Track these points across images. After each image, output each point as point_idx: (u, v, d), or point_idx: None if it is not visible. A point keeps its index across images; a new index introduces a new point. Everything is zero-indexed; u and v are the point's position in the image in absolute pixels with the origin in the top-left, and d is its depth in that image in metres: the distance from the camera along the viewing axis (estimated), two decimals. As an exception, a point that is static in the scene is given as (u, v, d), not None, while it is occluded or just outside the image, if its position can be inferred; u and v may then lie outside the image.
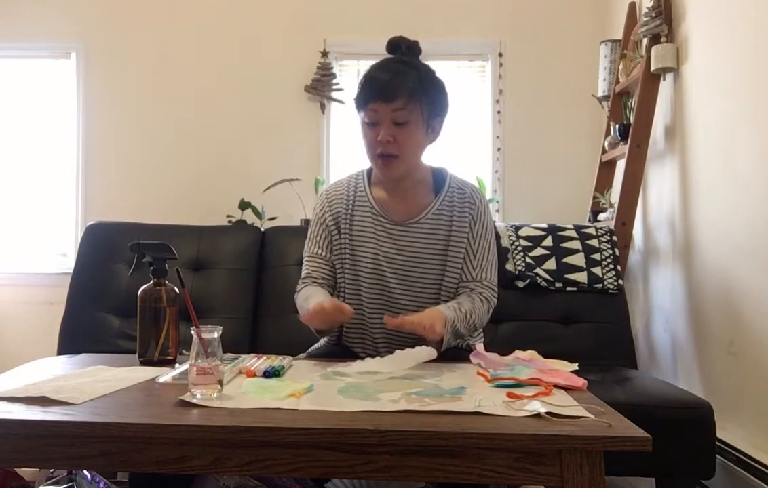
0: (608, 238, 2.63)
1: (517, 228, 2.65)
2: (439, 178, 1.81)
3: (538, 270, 2.53)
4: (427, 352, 1.44)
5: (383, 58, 1.73)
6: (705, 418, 1.88)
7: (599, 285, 2.53)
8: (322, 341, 1.87)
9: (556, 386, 1.27)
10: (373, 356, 1.64)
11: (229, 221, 3.06)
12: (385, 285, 1.72)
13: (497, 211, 3.36)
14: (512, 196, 3.40)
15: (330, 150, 3.44)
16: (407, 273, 1.72)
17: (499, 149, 3.40)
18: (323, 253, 1.78)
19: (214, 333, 1.18)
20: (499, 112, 3.40)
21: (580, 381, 1.30)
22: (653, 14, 2.63)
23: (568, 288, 2.53)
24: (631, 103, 2.96)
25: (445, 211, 1.76)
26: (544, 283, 2.52)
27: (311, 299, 1.65)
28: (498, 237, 2.54)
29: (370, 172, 1.83)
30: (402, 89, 1.63)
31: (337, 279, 1.78)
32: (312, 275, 1.77)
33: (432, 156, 1.81)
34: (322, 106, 3.42)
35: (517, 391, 1.21)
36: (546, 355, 1.50)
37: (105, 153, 3.43)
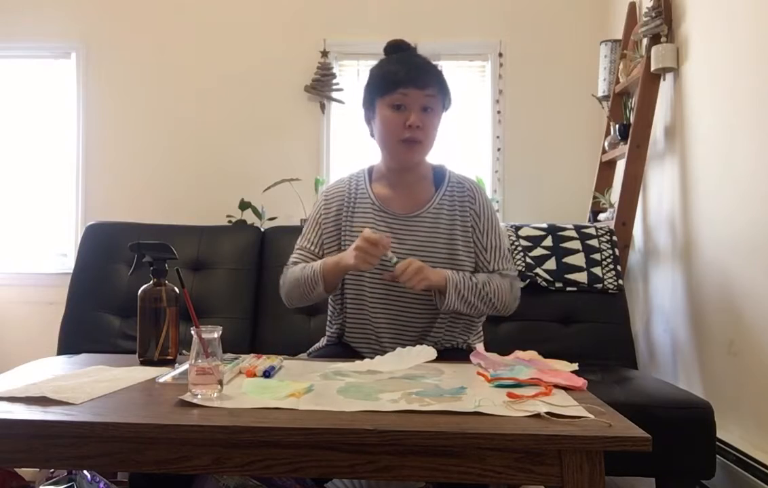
0: (608, 238, 2.63)
1: (517, 228, 2.65)
2: (438, 173, 1.84)
3: (538, 270, 2.53)
4: (427, 352, 1.45)
5: (397, 54, 1.76)
6: (705, 418, 1.88)
7: (599, 285, 2.53)
8: (323, 341, 1.87)
9: (556, 386, 1.27)
10: (375, 353, 1.64)
11: (229, 221, 3.06)
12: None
13: (497, 211, 3.36)
14: (512, 196, 3.40)
15: (330, 150, 3.44)
16: None
17: (499, 149, 3.40)
18: (313, 248, 1.81)
19: (214, 333, 1.18)
20: (499, 112, 3.40)
21: (580, 381, 1.30)
22: (653, 14, 2.63)
23: (568, 288, 2.53)
24: (631, 103, 2.96)
25: (446, 205, 1.77)
26: (544, 283, 2.52)
27: (308, 266, 1.72)
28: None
29: (371, 170, 1.85)
30: (434, 78, 1.70)
31: None
32: (298, 264, 1.80)
33: (432, 154, 1.81)
34: (322, 106, 3.42)
35: (517, 391, 1.21)
36: (546, 355, 1.50)
37: (105, 153, 3.43)
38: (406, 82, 1.67)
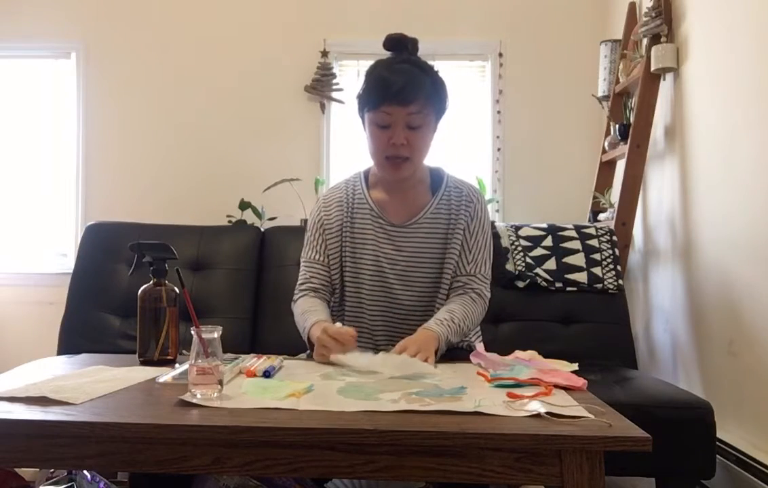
0: (608, 238, 2.63)
1: (517, 228, 2.65)
2: (436, 177, 1.82)
3: (538, 270, 2.53)
4: (429, 369, 1.43)
5: (390, 58, 1.71)
6: (705, 418, 1.89)
7: (599, 285, 2.53)
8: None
9: (556, 386, 1.27)
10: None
11: (229, 221, 3.06)
12: (387, 285, 1.73)
13: (497, 211, 3.36)
14: (512, 196, 3.40)
15: (330, 150, 3.44)
16: (408, 273, 1.73)
17: (499, 149, 3.40)
18: (321, 258, 1.78)
19: (214, 333, 1.18)
20: (499, 112, 3.40)
21: (580, 381, 1.30)
22: (653, 14, 2.63)
23: (568, 289, 2.53)
24: (631, 103, 2.96)
25: (443, 209, 1.77)
26: (544, 283, 2.52)
27: (308, 316, 1.66)
28: (498, 237, 2.55)
29: (367, 173, 1.84)
30: (419, 94, 1.63)
31: (334, 282, 1.79)
32: (310, 281, 1.78)
33: (432, 155, 1.80)
34: (322, 106, 3.41)
35: (517, 391, 1.21)
36: (546, 355, 1.50)
37: (105, 153, 3.43)
38: (389, 100, 1.62)
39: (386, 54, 1.74)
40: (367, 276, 1.74)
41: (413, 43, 1.74)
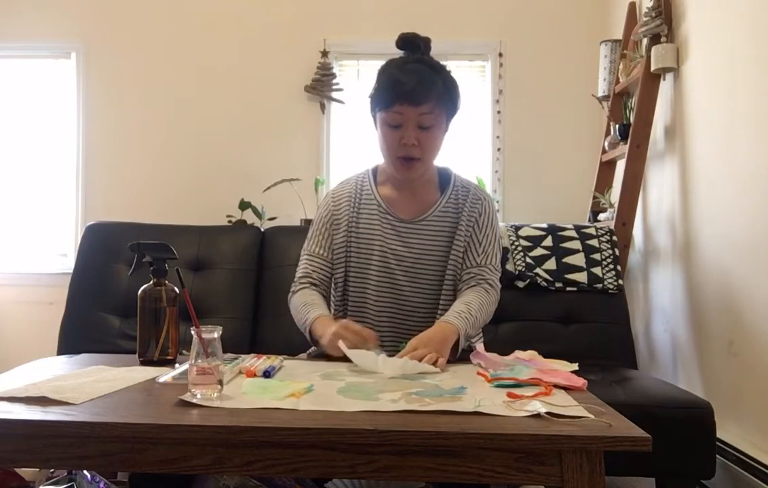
0: (608, 238, 2.63)
1: (517, 228, 2.65)
2: (444, 176, 1.83)
3: (538, 270, 2.53)
4: (429, 368, 1.43)
5: (402, 57, 1.72)
6: (705, 418, 1.89)
7: (599, 285, 2.53)
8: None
9: (556, 386, 1.27)
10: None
11: (229, 221, 3.06)
12: (394, 281, 1.73)
13: (497, 211, 3.36)
14: (512, 196, 3.40)
15: (330, 150, 3.44)
16: (415, 270, 1.73)
17: (499, 149, 3.40)
18: (324, 253, 1.79)
19: (214, 333, 1.18)
20: (499, 112, 3.40)
21: (580, 381, 1.30)
22: (653, 14, 2.63)
23: (568, 288, 2.53)
24: (631, 103, 2.96)
25: (450, 208, 1.77)
26: (544, 283, 2.52)
27: (310, 309, 1.66)
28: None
29: (375, 170, 1.84)
30: (431, 94, 1.64)
31: (335, 278, 1.79)
32: (310, 275, 1.78)
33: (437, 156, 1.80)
34: (322, 106, 3.41)
35: (517, 391, 1.21)
36: (546, 355, 1.50)
37: (105, 153, 3.43)
38: (401, 100, 1.62)
39: (398, 53, 1.74)
40: (373, 272, 1.74)
41: (426, 42, 1.74)
